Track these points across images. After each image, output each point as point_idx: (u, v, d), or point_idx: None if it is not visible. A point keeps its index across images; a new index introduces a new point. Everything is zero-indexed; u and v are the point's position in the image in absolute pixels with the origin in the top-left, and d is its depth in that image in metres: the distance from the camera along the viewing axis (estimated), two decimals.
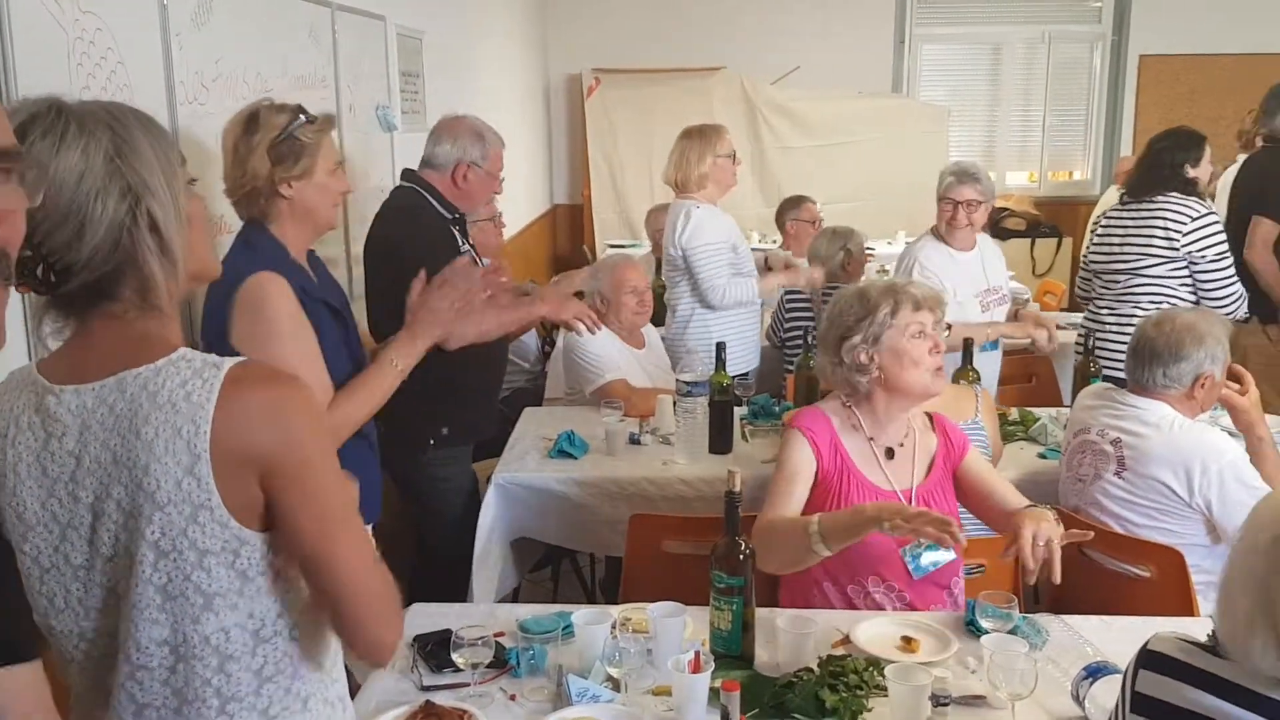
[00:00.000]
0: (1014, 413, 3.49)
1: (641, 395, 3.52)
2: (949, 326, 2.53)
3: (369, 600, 1.30)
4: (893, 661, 1.94)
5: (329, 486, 1.27)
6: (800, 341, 3.94)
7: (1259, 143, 5.51)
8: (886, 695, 1.85)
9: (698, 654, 1.81)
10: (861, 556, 2.28)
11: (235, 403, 1.22)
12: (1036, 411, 3.49)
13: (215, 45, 2.66)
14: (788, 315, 4.52)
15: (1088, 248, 4.18)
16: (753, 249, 4.55)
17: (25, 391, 1.29)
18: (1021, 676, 1.79)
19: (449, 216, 3.07)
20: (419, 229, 3.00)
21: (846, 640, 2.12)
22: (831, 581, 2.34)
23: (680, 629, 2.01)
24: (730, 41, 8.00)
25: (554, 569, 3.90)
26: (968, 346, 3.40)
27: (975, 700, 1.91)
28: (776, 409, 3.47)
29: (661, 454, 3.16)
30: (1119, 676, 1.68)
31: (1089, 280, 4.09)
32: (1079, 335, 3.87)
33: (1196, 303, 3.77)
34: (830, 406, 2.43)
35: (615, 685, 1.92)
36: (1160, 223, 3.75)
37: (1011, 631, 2.04)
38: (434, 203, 3.08)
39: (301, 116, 2.16)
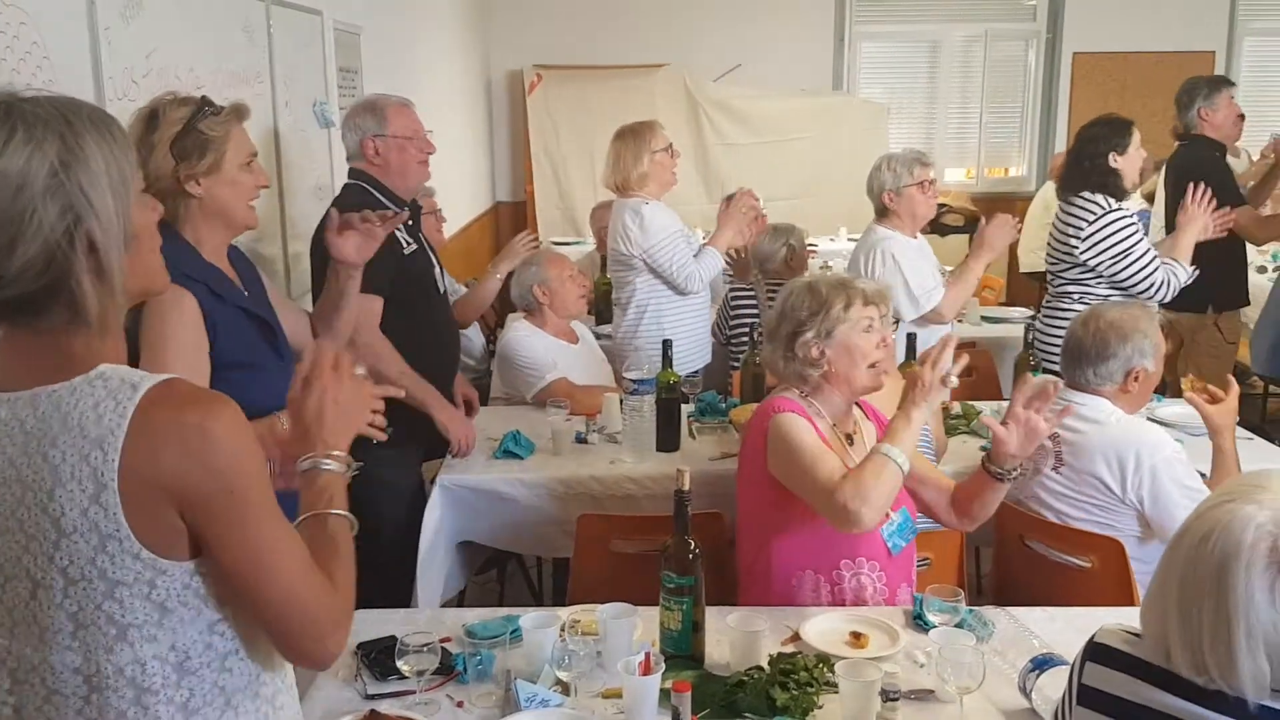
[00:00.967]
0: (956, 407, 3.52)
1: (585, 392, 3.50)
2: (896, 321, 2.56)
3: (304, 614, 1.24)
4: (842, 658, 1.94)
5: (255, 515, 1.20)
6: (745, 337, 3.94)
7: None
8: (837, 691, 1.84)
9: (648, 655, 1.79)
10: (849, 539, 2.28)
11: (149, 428, 1.14)
12: (978, 405, 3.52)
13: (146, 39, 2.58)
14: (733, 311, 4.52)
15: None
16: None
17: None
18: (969, 670, 1.80)
19: (395, 208, 2.94)
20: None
21: (796, 637, 2.11)
22: (812, 568, 2.33)
23: (630, 630, 1.99)
24: (672, 39, 7.99)
25: (500, 571, 3.86)
26: (911, 341, 3.42)
27: (924, 694, 1.92)
28: (723, 405, 3.46)
29: (609, 453, 3.14)
30: (1065, 668, 1.70)
31: None
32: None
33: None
34: (792, 395, 2.43)
35: (565, 689, 1.90)
36: (1070, 225, 3.78)
37: (958, 625, 2.06)
38: (379, 195, 2.98)
39: (206, 109, 2.06)
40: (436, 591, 2.93)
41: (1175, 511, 2.43)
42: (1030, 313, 5.19)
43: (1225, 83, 4.69)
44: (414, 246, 3.04)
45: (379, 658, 1.99)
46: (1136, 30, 8.07)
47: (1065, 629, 2.10)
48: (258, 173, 2.16)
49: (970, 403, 3.58)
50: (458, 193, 6.33)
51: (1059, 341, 2.87)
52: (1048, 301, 3.97)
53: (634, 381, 3.09)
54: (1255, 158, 4.94)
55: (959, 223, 8.15)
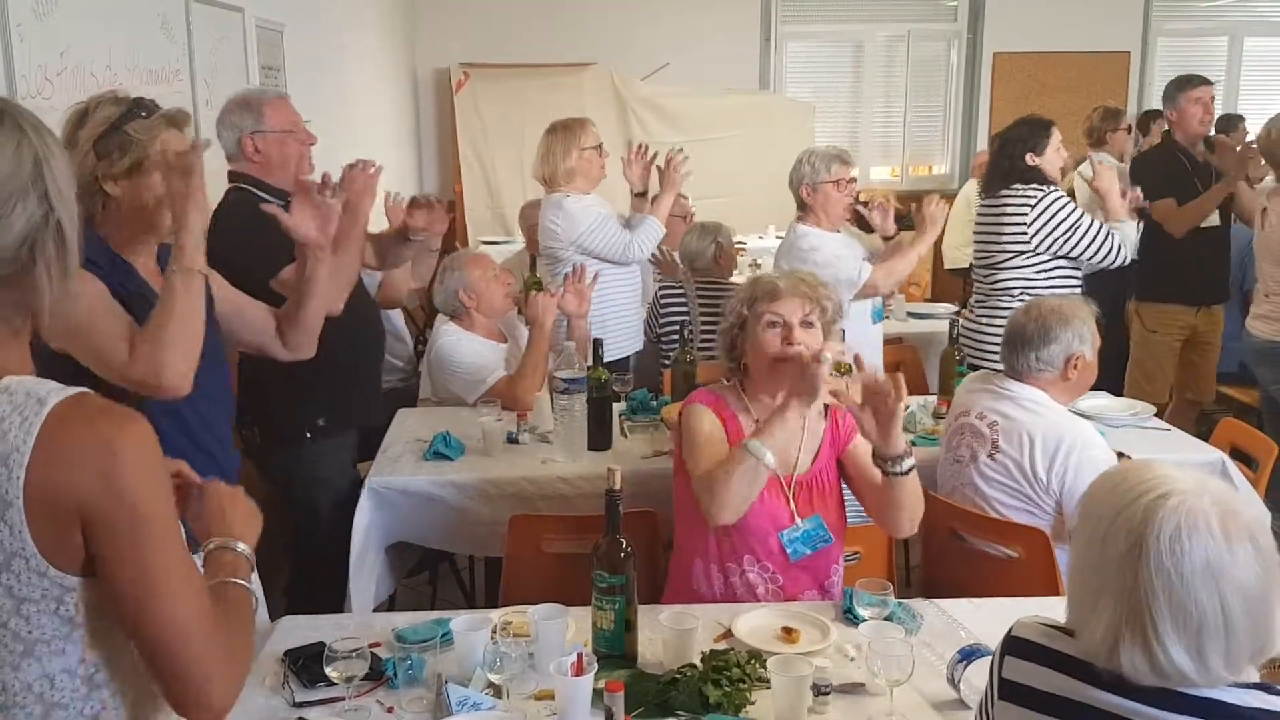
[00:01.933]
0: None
1: (525, 385, 3.46)
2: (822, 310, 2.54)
3: (189, 650, 1.18)
4: (774, 653, 1.95)
5: (155, 537, 1.16)
6: (676, 336, 3.95)
7: (1108, 138, 5.78)
8: (769, 687, 1.85)
9: (580, 656, 1.78)
10: (741, 535, 2.30)
11: (57, 443, 1.11)
12: (906, 399, 3.57)
13: (60, 36, 2.50)
14: (662, 310, 4.53)
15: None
16: None
17: None
18: (898, 662, 1.82)
19: (282, 203, 2.75)
20: (238, 231, 2.70)
21: (728, 634, 2.12)
22: (704, 562, 2.36)
23: (562, 631, 1.98)
24: (600, 38, 7.99)
25: (432, 573, 3.83)
26: (839, 337, 3.46)
27: (855, 687, 1.94)
28: (654, 404, 3.47)
29: (540, 453, 3.12)
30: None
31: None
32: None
33: (1083, 286, 3.89)
34: (723, 389, 2.46)
35: (496, 692, 1.88)
36: (1006, 217, 3.85)
37: (888, 618, 2.08)
38: (261, 193, 2.86)
39: (139, 110, 2.01)
40: (368, 596, 2.88)
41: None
42: (955, 309, 5.28)
43: (1190, 82, 4.73)
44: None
45: (307, 665, 1.95)
46: (1054, 31, 8.25)
47: (991, 620, 2.13)
48: None
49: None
50: (385, 191, 6.23)
51: (994, 336, 2.92)
52: (980, 300, 4.02)
53: (565, 381, 3.08)
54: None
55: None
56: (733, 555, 2.35)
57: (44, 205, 1.17)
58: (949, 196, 7.83)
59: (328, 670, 1.83)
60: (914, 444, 3.20)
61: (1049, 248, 3.79)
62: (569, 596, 2.08)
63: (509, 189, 7.70)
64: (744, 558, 2.35)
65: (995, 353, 3.04)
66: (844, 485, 2.48)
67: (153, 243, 2.11)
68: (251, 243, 2.59)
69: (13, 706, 1.17)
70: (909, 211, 8.59)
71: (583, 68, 7.87)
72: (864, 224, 4.21)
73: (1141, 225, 3.89)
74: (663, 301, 4.55)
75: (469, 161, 7.92)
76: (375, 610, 2.88)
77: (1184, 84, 4.73)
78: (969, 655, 1.89)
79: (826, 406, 2.48)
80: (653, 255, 4.47)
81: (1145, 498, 1.27)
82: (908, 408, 3.43)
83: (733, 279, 4.59)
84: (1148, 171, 4.48)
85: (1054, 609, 1.48)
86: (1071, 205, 3.80)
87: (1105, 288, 4.26)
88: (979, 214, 4.05)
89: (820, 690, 1.87)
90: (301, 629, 2.13)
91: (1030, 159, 3.82)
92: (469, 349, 3.61)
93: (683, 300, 4.50)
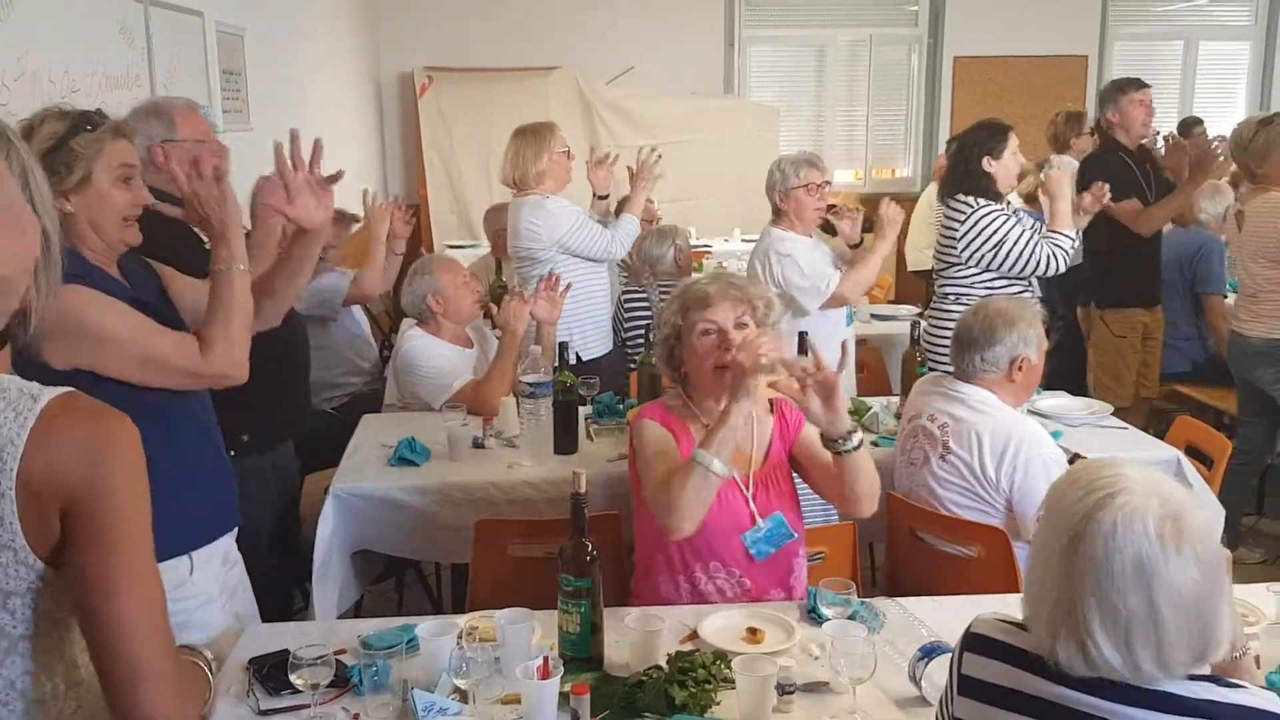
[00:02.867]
0: (848, 402, 3.59)
1: (491, 390, 3.47)
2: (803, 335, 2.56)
3: (143, 670, 1.18)
4: (739, 654, 1.97)
5: (126, 538, 1.17)
6: (641, 339, 3.97)
7: (1071, 142, 5.85)
8: (735, 687, 1.87)
9: (546, 659, 1.79)
10: (704, 541, 2.32)
11: (50, 437, 1.13)
12: (869, 401, 3.60)
13: (17, 41, 2.48)
14: (627, 314, 4.55)
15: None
16: None
17: None
18: (861, 660, 1.84)
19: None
20: (154, 242, 2.56)
21: (694, 635, 2.14)
22: (669, 573, 2.37)
23: (528, 635, 1.98)
24: (565, 42, 8.00)
25: (399, 579, 3.81)
26: (802, 341, 3.48)
27: (819, 686, 1.96)
28: (621, 407, 3.48)
29: (506, 457, 3.12)
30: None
31: None
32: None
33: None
34: (669, 399, 2.48)
35: (463, 697, 1.88)
36: (946, 227, 3.90)
37: (851, 617, 2.10)
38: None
39: (84, 125, 1.98)
40: (332, 603, 2.87)
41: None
42: (918, 310, 5.34)
43: (1131, 84, 4.81)
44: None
45: (272, 672, 1.94)
46: (1013, 35, 8.36)
47: (951, 618, 2.16)
48: (136, 190, 2.06)
49: (861, 398, 3.66)
50: (349, 197, 6.20)
51: (944, 339, 2.95)
52: (933, 302, 4.08)
53: (530, 385, 3.08)
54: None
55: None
56: (698, 563, 2.36)
57: (33, 213, 1.19)
58: (911, 199, 7.93)
59: (293, 677, 1.83)
60: (876, 444, 3.26)
61: (979, 261, 3.81)
62: (535, 601, 2.09)
63: (474, 193, 7.69)
64: (710, 564, 2.36)
65: (946, 355, 3.07)
66: (795, 479, 2.50)
67: (111, 254, 2.09)
68: (171, 251, 2.55)
69: None
70: (874, 215, 8.66)
71: (548, 71, 7.88)
72: (832, 228, 4.26)
73: (1080, 235, 3.91)
74: (627, 305, 4.57)
75: (433, 165, 7.90)
76: (341, 617, 2.87)
77: (1125, 86, 4.80)
78: (930, 653, 1.91)
79: (772, 401, 2.51)
80: (622, 260, 4.50)
81: (1092, 495, 1.29)
82: (870, 409, 3.48)
83: None
84: (1100, 174, 4.53)
85: (1013, 606, 1.51)
86: (1001, 218, 3.78)
87: (1058, 290, 4.31)
88: (941, 217, 4.10)
89: (784, 689, 1.89)
90: (266, 636, 2.12)
91: (987, 163, 3.83)
92: (436, 354, 3.60)
93: (646, 304, 4.53)
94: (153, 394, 2.00)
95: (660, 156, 4.26)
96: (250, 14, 4.52)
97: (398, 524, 2.96)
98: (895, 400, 3.57)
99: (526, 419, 3.09)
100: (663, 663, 1.97)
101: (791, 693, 1.89)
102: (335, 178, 2.32)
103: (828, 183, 3.95)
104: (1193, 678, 1.30)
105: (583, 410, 3.36)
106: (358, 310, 4.52)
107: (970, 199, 3.82)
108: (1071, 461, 2.81)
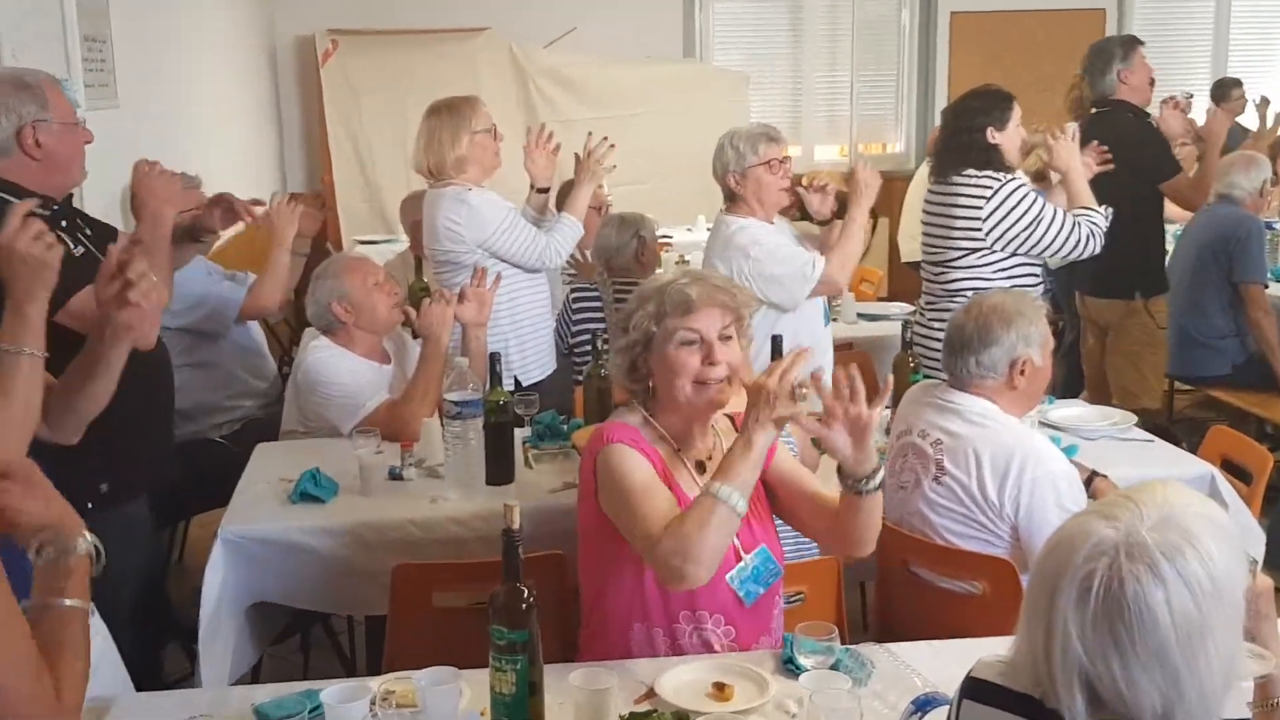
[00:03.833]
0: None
1: (412, 410, 3.47)
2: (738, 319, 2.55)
3: (4, 705, 1.22)
4: (704, 713, 1.98)
5: None
6: (590, 347, 3.98)
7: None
8: None
9: None
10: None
11: None
12: (885, 399, 3.63)
13: None
14: (575, 316, 4.56)
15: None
16: None
17: None
18: (844, 717, 1.87)
19: (46, 212, 2.58)
20: None
21: (651, 693, 2.15)
22: (644, 626, 2.36)
23: (454, 698, 1.99)
24: None
25: (304, 637, 3.79)
26: (776, 345, 3.52)
27: None
28: (564, 427, 3.49)
29: (429, 489, 3.12)
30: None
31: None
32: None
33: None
34: (633, 417, 2.46)
35: None
36: (959, 207, 3.93)
37: (833, 666, 2.13)
38: (14, 200, 2.62)
39: None
40: (224, 666, 2.85)
41: (1048, 534, 2.53)
42: (911, 309, 5.40)
43: (1137, 41, 5.00)
44: (83, 250, 2.80)
45: None
46: None
47: (951, 664, 2.17)
48: None
49: None
50: (238, 186, 6.16)
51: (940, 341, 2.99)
52: (929, 301, 4.12)
53: (457, 404, 3.08)
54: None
55: (832, 207, 8.42)
56: (683, 612, 2.35)
57: None
58: (905, 178, 8.02)
59: None
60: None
61: (1007, 245, 3.87)
62: (463, 658, 2.09)
63: (389, 178, 7.66)
64: (697, 614, 2.35)
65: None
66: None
67: None
68: None
69: None
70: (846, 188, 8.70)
71: (474, 33, 7.88)
72: (803, 212, 4.27)
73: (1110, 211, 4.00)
74: (575, 307, 4.58)
75: (340, 147, 7.88)
76: (235, 683, 2.85)
77: (1134, 42, 4.99)
78: (924, 705, 1.94)
79: (732, 417, 2.50)
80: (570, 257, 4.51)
81: (1082, 540, 1.36)
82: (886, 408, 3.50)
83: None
84: (1140, 145, 4.66)
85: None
86: (1034, 195, 3.88)
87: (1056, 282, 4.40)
88: (927, 201, 4.12)
89: None
90: (141, 709, 2.11)
91: (991, 135, 3.90)
92: (345, 369, 3.59)
93: (598, 304, 4.54)
94: None
95: (613, 146, 4.25)
96: None
97: (300, 572, 2.95)
98: (886, 413, 3.61)
99: (452, 444, 3.09)
100: None
101: None
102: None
103: (789, 157, 3.96)
104: None
105: (519, 432, 3.36)
106: (252, 321, 4.50)
107: (992, 173, 3.87)
108: (1089, 481, 2.87)
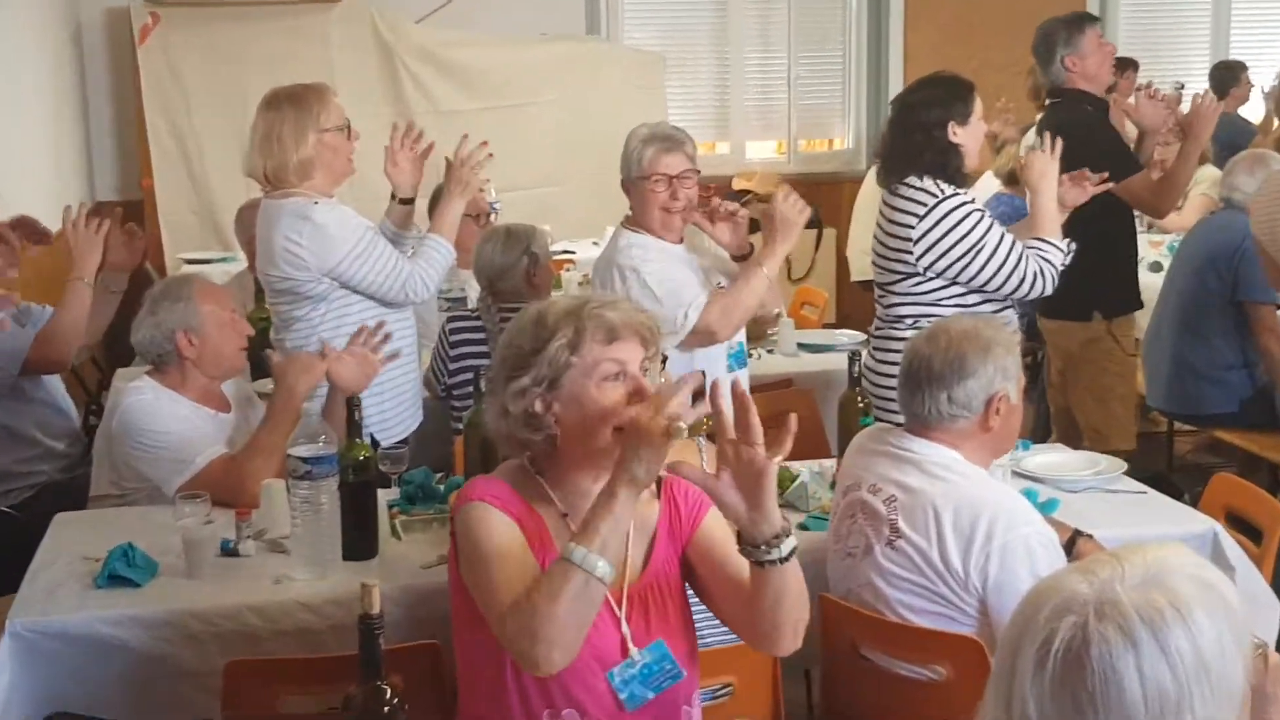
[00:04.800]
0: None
1: (252, 468, 3.45)
2: (664, 359, 2.60)
3: None
4: None
5: None
6: (472, 388, 3.97)
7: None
8: None
9: None
10: (556, 680, 2.30)
11: None
12: (794, 466, 3.67)
13: None
14: (453, 351, 4.55)
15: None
16: None
17: None
18: None
19: None
20: None
21: None
22: (524, 712, 2.36)
23: None
24: None
25: None
26: (698, 393, 3.54)
27: None
28: (440, 488, 3.48)
29: (271, 568, 3.09)
30: None
31: None
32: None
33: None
34: (510, 473, 2.46)
35: None
36: (896, 224, 4.01)
37: None
38: None
39: None
40: None
41: None
42: (863, 337, 5.47)
43: (1087, 20, 5.15)
44: None
45: None
46: None
47: None
48: None
49: (785, 464, 3.72)
50: (33, 197, 6.08)
51: (889, 379, 3.03)
52: (877, 327, 4.18)
53: (306, 461, 3.06)
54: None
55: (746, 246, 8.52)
56: (546, 710, 2.35)
57: None
58: (853, 180, 8.15)
59: None
60: (804, 527, 3.33)
61: (941, 273, 3.95)
62: None
63: (223, 181, 7.58)
64: (562, 713, 2.35)
65: (893, 400, 3.14)
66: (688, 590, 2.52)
67: None
68: None
69: None
70: (817, 211, 8.78)
71: (328, 5, 7.88)
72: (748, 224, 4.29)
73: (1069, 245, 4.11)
74: (453, 339, 4.58)
75: (163, 144, 7.82)
76: None
77: (1080, 21, 5.12)
78: None
79: (660, 480, 2.51)
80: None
81: (1050, 596, 1.38)
82: (797, 478, 3.54)
83: None
84: (1079, 142, 4.75)
85: None
86: (978, 217, 3.93)
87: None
88: (880, 210, 4.20)
89: None
90: None
91: (953, 131, 3.98)
92: (173, 415, 3.56)
93: (480, 336, 4.54)
94: None
95: (490, 155, 4.26)
96: None
97: (110, 673, 2.90)
98: (831, 465, 3.65)
99: (301, 510, 3.07)
100: None
101: None
102: None
103: (695, 171, 3.94)
104: None
105: (385, 495, 3.35)
106: None
107: (933, 183, 3.95)
108: (1071, 543, 2.93)
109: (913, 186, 3.97)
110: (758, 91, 9.10)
